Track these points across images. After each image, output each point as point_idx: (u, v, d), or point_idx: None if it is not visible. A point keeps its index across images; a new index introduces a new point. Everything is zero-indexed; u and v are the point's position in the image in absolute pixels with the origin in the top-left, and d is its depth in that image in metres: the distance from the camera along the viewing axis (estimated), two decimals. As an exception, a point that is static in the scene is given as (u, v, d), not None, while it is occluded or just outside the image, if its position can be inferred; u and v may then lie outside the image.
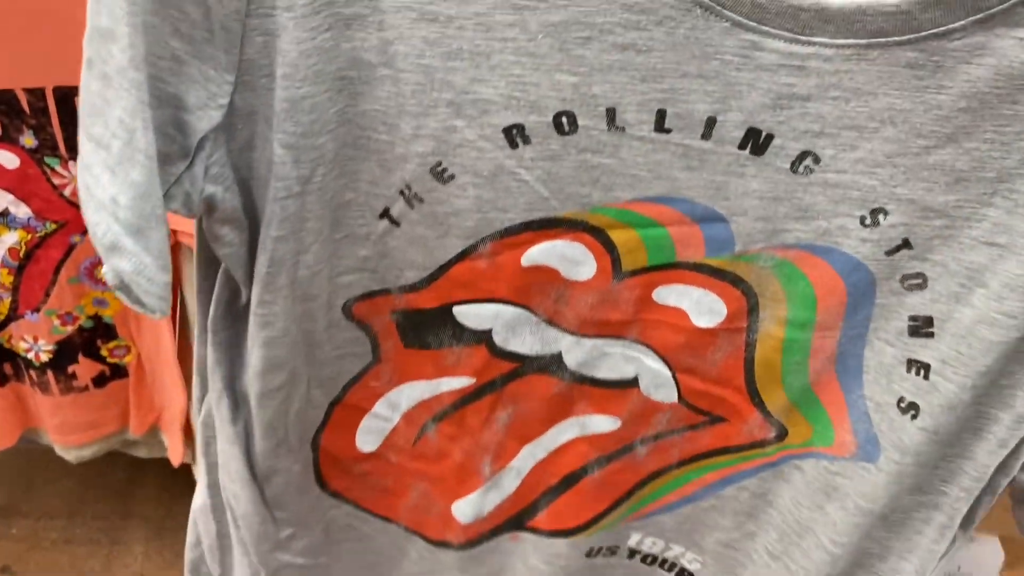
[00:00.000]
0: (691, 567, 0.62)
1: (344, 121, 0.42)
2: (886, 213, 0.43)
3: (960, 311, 0.45)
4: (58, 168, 0.81)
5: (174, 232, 0.79)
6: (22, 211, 0.83)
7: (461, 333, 0.51)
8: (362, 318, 0.50)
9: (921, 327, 0.47)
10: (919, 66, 0.39)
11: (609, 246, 0.46)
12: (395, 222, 0.46)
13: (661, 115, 0.41)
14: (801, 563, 0.57)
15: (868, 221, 0.44)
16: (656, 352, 0.50)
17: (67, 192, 0.83)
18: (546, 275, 0.47)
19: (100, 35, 0.38)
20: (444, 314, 0.50)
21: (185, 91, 0.40)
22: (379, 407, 0.55)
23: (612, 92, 0.41)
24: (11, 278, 0.88)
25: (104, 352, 0.97)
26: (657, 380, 0.51)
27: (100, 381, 1.00)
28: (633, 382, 0.52)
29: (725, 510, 0.58)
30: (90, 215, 0.41)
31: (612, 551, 0.62)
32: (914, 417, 0.49)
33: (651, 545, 0.61)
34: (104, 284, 0.89)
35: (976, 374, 0.46)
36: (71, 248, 0.87)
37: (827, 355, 0.49)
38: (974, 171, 0.42)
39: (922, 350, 0.47)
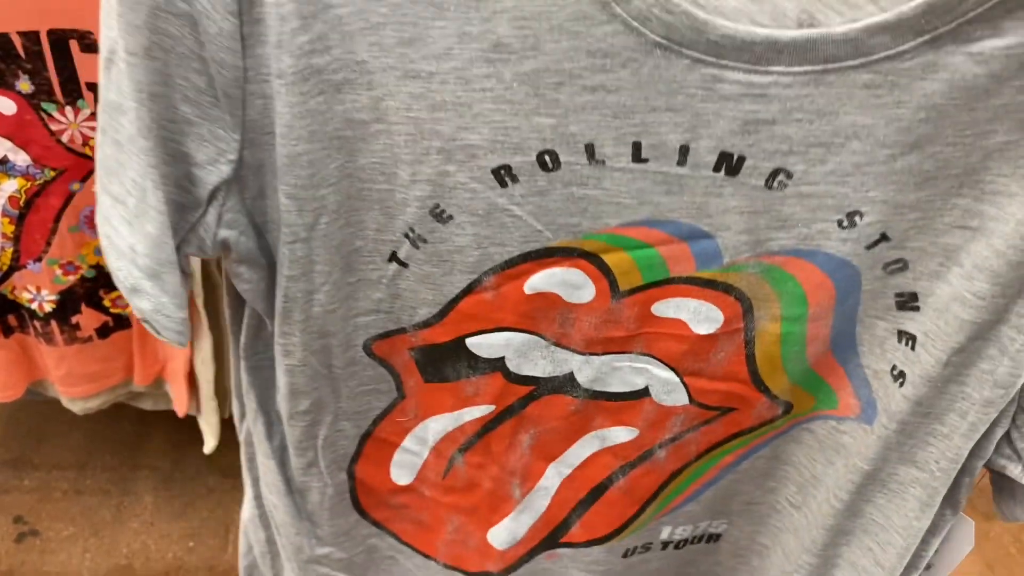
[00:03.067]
0: (718, 531, 0.66)
1: (345, 175, 0.45)
2: (861, 215, 0.46)
3: (940, 288, 0.48)
4: (55, 114, 0.79)
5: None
6: (21, 158, 0.82)
7: (476, 363, 0.54)
8: (383, 356, 0.54)
9: (907, 301, 0.50)
10: (876, 85, 0.41)
11: (604, 269, 0.48)
12: (403, 263, 0.49)
13: (637, 147, 0.43)
14: (815, 513, 0.60)
15: (845, 223, 0.46)
16: (662, 361, 0.53)
17: (65, 138, 0.81)
18: (549, 301, 0.50)
19: (111, 107, 0.43)
20: (458, 347, 0.53)
21: (196, 149, 0.44)
22: (408, 442, 0.59)
23: (588, 129, 0.43)
24: (12, 227, 0.87)
25: (107, 302, 0.97)
26: (667, 387, 0.54)
27: (104, 332, 0.99)
28: (644, 392, 0.54)
29: (745, 479, 0.62)
30: (112, 261, 0.46)
31: (647, 548, 0.66)
32: (901, 385, 0.52)
33: (682, 532, 0.65)
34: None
35: (951, 350, 0.49)
36: (71, 196, 0.86)
37: (822, 340, 0.52)
38: (940, 171, 0.44)
39: (909, 322, 0.50)
